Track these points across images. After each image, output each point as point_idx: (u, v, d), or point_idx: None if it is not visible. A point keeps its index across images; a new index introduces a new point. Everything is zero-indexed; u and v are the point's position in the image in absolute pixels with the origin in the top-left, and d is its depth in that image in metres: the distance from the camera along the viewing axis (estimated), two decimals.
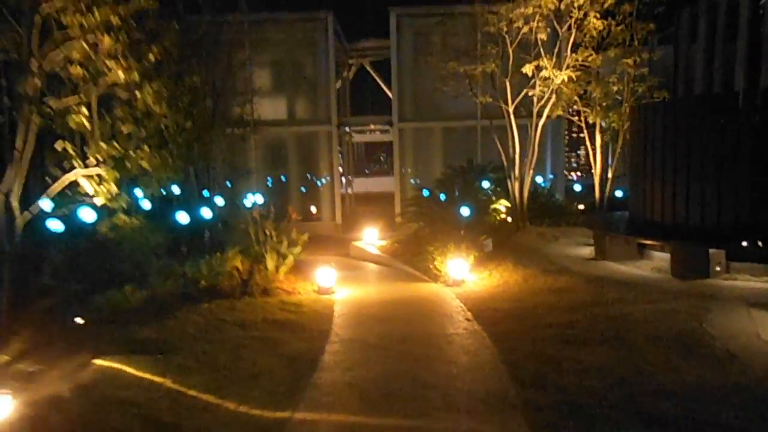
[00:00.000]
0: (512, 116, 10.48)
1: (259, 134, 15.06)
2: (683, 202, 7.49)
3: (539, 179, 13.26)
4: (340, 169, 17.15)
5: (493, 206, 9.65)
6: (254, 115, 14.94)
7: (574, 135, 30.77)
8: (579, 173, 35.72)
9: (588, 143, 12.07)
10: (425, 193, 11.14)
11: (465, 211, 7.99)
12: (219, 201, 10.13)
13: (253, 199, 12.20)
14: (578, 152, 45.49)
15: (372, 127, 17.77)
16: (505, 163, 10.56)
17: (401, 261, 9.31)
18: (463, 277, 7.36)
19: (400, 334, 5.51)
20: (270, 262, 7.69)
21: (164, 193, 8.52)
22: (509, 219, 10.07)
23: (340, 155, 16.79)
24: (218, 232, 9.07)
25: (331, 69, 14.90)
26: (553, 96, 9.92)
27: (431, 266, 7.82)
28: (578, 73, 9.36)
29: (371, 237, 11.35)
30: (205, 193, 10.55)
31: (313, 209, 15.37)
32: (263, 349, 4.96)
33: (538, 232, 10.04)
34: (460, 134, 15.27)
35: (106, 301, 5.79)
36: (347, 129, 18.49)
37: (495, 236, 9.13)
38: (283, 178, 15.50)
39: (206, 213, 9.01)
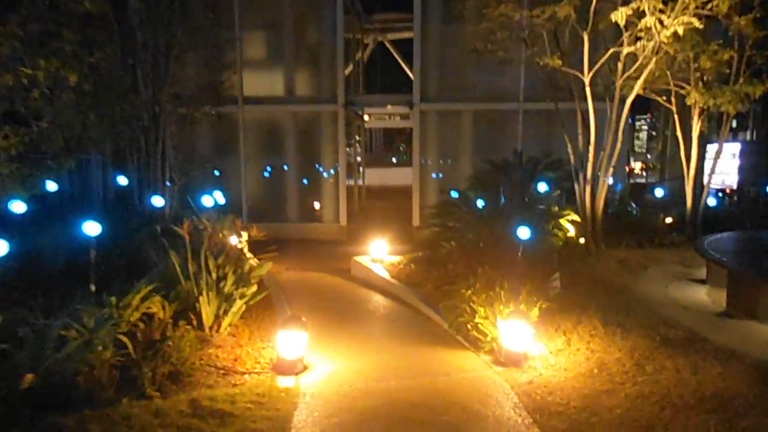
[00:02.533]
0: (589, 90, 7.37)
1: (247, 114, 12.19)
2: None
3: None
4: (353, 159, 14.21)
5: (556, 220, 6.61)
6: (242, 89, 12.07)
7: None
8: (642, 170, 28.88)
9: (679, 133, 8.90)
10: (453, 194, 8.10)
11: (523, 232, 4.97)
12: (158, 201, 7.21)
13: (212, 199, 9.30)
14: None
15: (389, 109, 14.71)
16: (572, 160, 7.53)
17: (421, 297, 6.31)
18: (524, 348, 4.36)
19: None
20: (206, 310, 4.78)
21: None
22: (578, 238, 7.03)
23: (355, 145, 13.88)
24: (133, 251, 6.13)
25: (338, 35, 11.87)
26: (652, 61, 6.77)
27: (470, 323, 4.79)
28: (694, 22, 6.16)
29: (381, 250, 8.39)
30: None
31: (315, 205, 12.42)
32: None
33: (618, 257, 6.99)
34: (497, 120, 12.18)
35: None
36: (360, 112, 15.47)
37: (562, 266, 6.11)
38: (270, 169, 12.55)
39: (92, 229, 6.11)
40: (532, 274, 5.44)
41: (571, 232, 6.75)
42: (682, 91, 8.23)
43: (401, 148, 45.32)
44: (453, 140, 12.29)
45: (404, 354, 4.82)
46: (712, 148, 14.33)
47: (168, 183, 8.80)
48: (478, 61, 11.88)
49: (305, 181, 12.50)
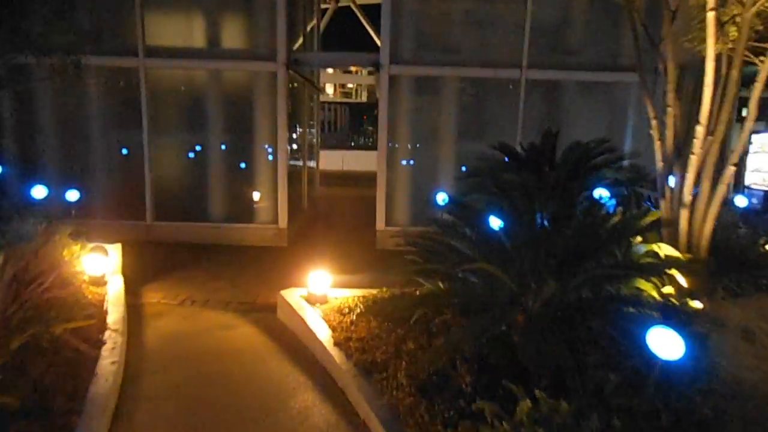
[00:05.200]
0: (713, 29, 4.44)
1: (152, 72, 8.82)
2: None
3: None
4: (305, 139, 10.95)
5: (641, 255, 3.67)
6: (144, 36, 8.68)
7: None
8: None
9: None
10: (439, 198, 5.07)
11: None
12: None
13: (76, 192, 6.19)
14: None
15: (353, 72, 11.48)
16: (658, 155, 4.67)
17: (387, 415, 3.26)
18: None
19: None
20: None
21: None
22: (676, 278, 4.01)
23: (307, 122, 10.64)
24: None
25: None
26: None
27: None
28: None
29: (323, 283, 5.31)
30: None
31: (247, 200, 9.20)
32: None
33: (741, 325, 4.03)
34: (490, 93, 9.20)
35: None
36: (312, 78, 12.20)
37: None
38: (185, 149, 9.22)
39: None
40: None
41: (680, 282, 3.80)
42: None
43: (368, 130, 42.05)
44: (433, 117, 9.23)
45: None
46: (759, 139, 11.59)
47: None
48: (468, 10, 8.87)
49: (233, 167, 9.27)
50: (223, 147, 9.17)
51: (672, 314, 3.56)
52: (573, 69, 8.86)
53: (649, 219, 3.90)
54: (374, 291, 5.41)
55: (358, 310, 4.79)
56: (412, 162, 9.20)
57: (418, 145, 9.20)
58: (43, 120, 8.90)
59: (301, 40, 11.29)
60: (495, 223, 3.69)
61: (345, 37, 12.52)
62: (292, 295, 5.41)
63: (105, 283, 5.61)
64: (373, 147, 33.39)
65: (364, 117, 42.33)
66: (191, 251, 8.41)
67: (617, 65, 8.84)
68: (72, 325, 4.04)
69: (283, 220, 9.03)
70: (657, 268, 3.62)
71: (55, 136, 8.96)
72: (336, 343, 4.18)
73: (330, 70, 43.56)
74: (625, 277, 3.32)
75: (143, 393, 3.82)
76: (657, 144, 5.50)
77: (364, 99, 40.92)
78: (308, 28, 11.98)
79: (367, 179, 21.21)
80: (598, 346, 3.01)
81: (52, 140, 8.95)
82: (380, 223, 9.05)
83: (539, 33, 8.75)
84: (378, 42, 15.43)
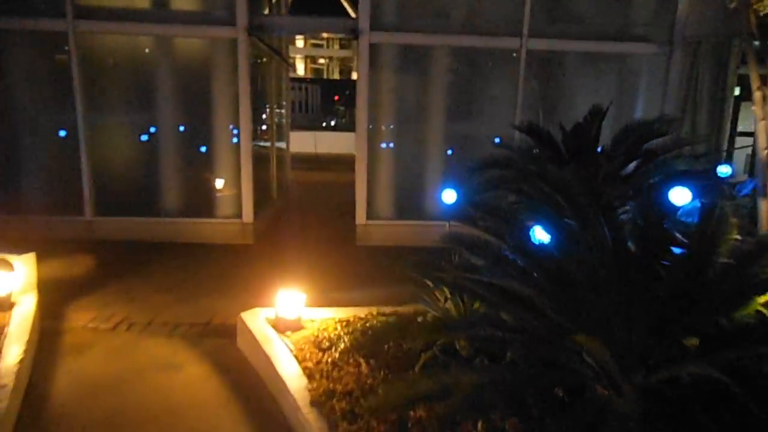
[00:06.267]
0: None
1: (85, 37, 7.35)
2: None
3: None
4: (273, 119, 9.57)
5: None
6: None
7: None
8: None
9: None
10: (448, 199, 3.92)
11: None
12: None
13: None
14: None
15: (324, 43, 10.15)
16: (762, 140, 3.60)
17: None
18: None
19: None
20: None
21: None
22: None
23: (275, 99, 9.19)
24: None
25: None
26: None
27: None
28: None
29: (295, 303, 4.12)
30: None
31: (205, 191, 7.87)
32: None
33: None
34: (483, 67, 8.04)
35: None
36: (278, 48, 10.82)
37: None
38: (131, 130, 7.78)
39: None
40: None
41: None
42: None
43: (339, 110, 40.45)
44: (420, 94, 8.03)
45: None
46: None
47: None
48: None
49: (189, 151, 7.92)
50: (177, 128, 7.80)
51: None
52: (581, 39, 7.74)
53: None
54: (362, 312, 4.26)
55: (342, 345, 3.62)
56: (396, 146, 8.00)
57: (402, 126, 8.00)
58: None
59: (267, 10, 9.88)
60: (541, 236, 2.57)
61: (315, 6, 11.15)
62: (256, 319, 4.22)
63: (10, 307, 4.31)
64: (345, 128, 31.92)
65: (336, 97, 40.67)
66: (138, 252, 7.10)
67: (630, 35, 7.76)
68: None
69: (248, 214, 7.76)
70: None
71: None
72: (314, 402, 3.01)
73: (300, 44, 41.57)
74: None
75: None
76: (761, 125, 4.38)
77: (335, 76, 39.16)
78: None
79: (344, 163, 19.91)
80: None
81: None
82: (360, 216, 7.87)
83: None
84: (351, 13, 14.04)
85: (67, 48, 7.24)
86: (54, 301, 5.08)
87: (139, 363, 4.00)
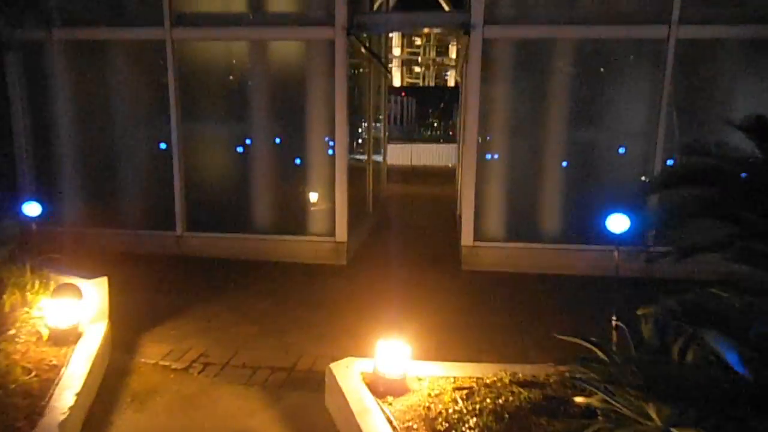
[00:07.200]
0: None
1: (182, 45, 7.00)
2: None
3: None
4: (369, 130, 8.80)
5: None
6: (170, 1, 6.88)
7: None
8: None
9: None
10: (616, 227, 2.83)
11: None
12: None
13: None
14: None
15: (426, 32, 9.28)
16: None
17: None
18: None
19: None
20: None
21: None
22: None
23: (372, 108, 8.44)
24: None
25: None
26: None
27: None
28: None
29: (399, 358, 3.20)
30: None
31: (298, 207, 7.23)
32: None
33: None
34: (617, 63, 6.74)
35: None
36: (379, 53, 10.06)
37: None
38: (223, 143, 7.28)
39: None
40: None
41: None
42: None
43: (434, 123, 39.57)
44: (537, 98, 6.89)
45: None
46: None
47: None
48: None
49: (281, 164, 7.32)
50: (272, 140, 7.25)
51: None
52: (746, 23, 6.25)
53: None
54: (486, 371, 3.24)
55: (464, 426, 2.62)
56: (510, 156, 6.91)
57: (518, 134, 6.89)
58: (52, 108, 7.33)
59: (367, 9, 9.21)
60: None
61: (412, 5, 10.24)
62: (349, 375, 3.33)
63: (75, 340, 3.76)
64: (436, 140, 30.70)
65: (430, 110, 39.87)
66: (226, 271, 6.57)
67: None
68: None
69: (341, 232, 7.00)
70: None
71: (61, 128, 7.37)
72: None
73: (396, 51, 41.14)
74: None
75: None
76: None
77: (431, 84, 38.41)
78: None
79: (439, 175, 18.95)
80: None
81: (61, 133, 7.38)
82: (467, 237, 6.84)
83: None
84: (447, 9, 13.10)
85: (163, 57, 6.92)
86: (129, 327, 4.55)
87: (208, 423, 3.25)
